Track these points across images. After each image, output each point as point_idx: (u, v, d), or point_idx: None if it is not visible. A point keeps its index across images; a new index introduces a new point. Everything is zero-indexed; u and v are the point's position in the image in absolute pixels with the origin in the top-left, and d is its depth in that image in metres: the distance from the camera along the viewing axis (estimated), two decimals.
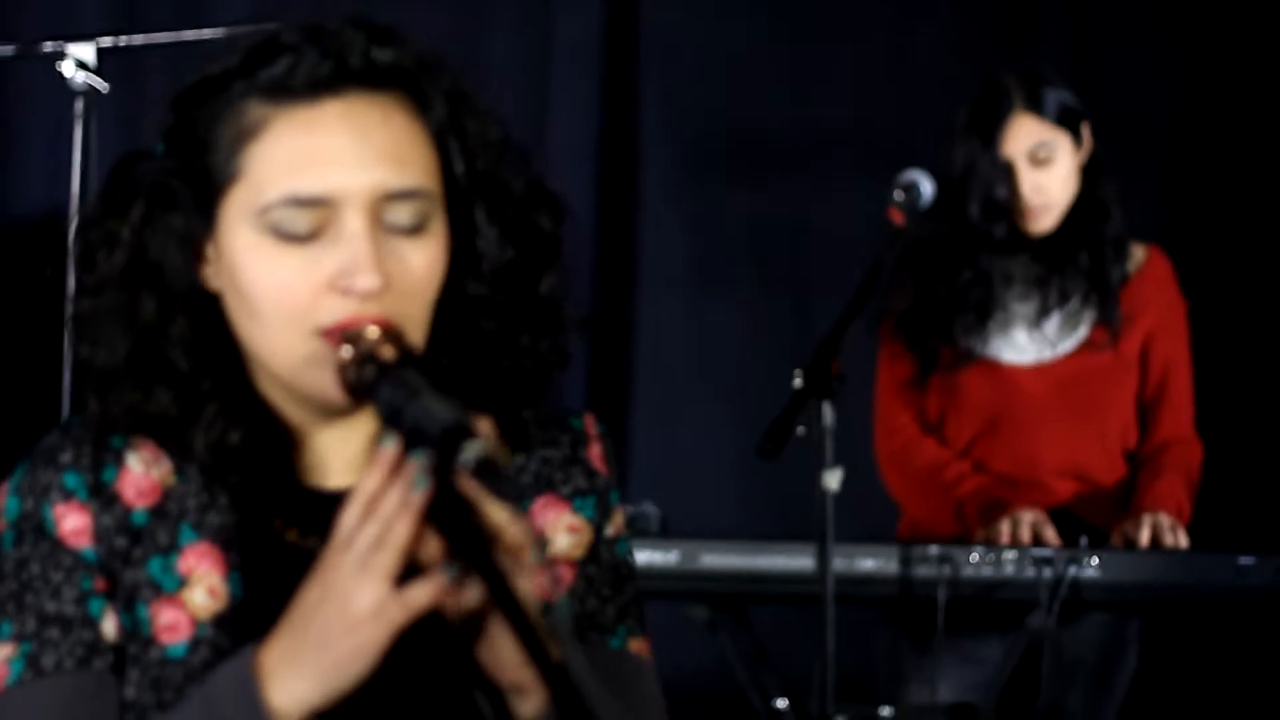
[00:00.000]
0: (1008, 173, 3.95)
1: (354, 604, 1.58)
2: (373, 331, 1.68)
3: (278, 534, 1.76)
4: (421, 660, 1.71)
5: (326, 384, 1.70)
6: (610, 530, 1.87)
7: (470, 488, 1.59)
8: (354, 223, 1.69)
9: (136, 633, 1.73)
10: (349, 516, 1.60)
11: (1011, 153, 3.96)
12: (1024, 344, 4.04)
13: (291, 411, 1.78)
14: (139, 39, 3.30)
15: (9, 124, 4.92)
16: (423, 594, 1.58)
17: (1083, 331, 4.04)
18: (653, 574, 3.76)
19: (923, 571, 3.77)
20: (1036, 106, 3.97)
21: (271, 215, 1.70)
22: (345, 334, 1.68)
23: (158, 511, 1.75)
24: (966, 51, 5.27)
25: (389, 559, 1.58)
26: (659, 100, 5.42)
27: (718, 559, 3.80)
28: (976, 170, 3.95)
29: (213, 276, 1.76)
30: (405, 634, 1.60)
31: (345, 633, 1.58)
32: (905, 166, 3.91)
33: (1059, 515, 3.90)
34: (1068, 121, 3.99)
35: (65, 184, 3.27)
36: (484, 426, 1.57)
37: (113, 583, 1.74)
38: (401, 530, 1.58)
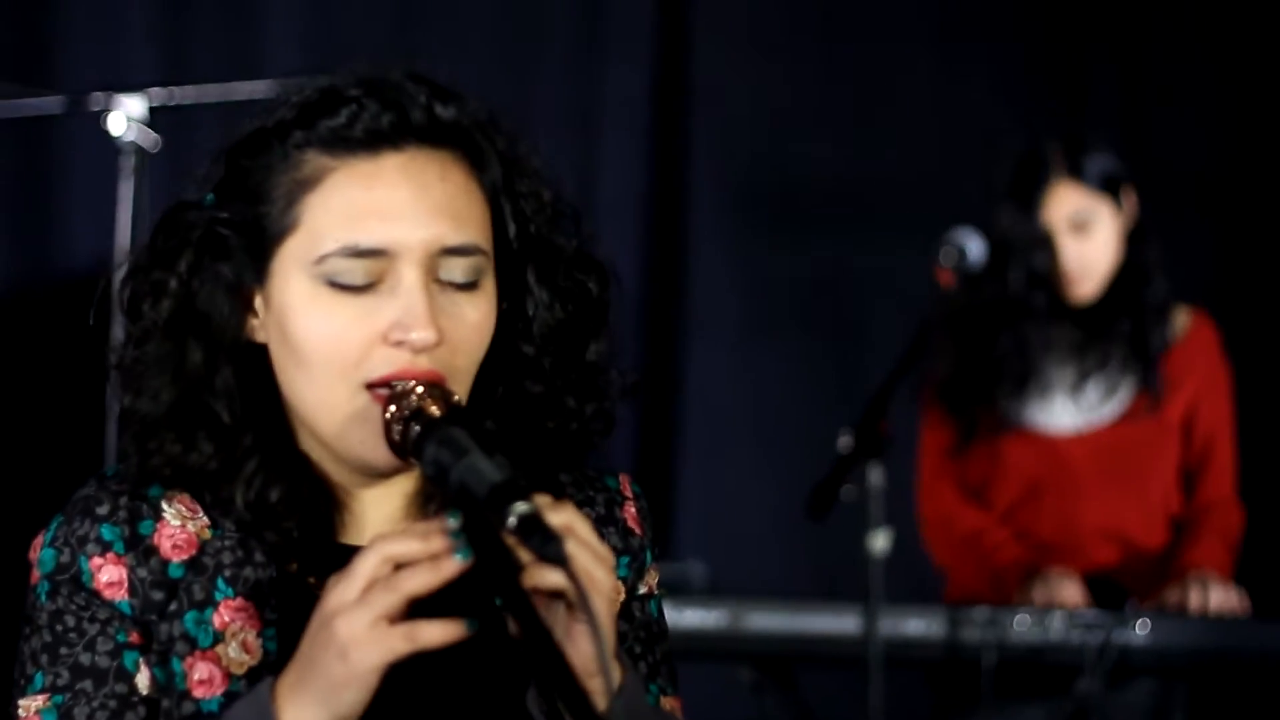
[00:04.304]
0: (1048, 241, 3.94)
1: (339, 631, 1.58)
2: (417, 388, 1.67)
3: (312, 590, 1.73)
4: (473, 665, 1.72)
5: (370, 443, 1.69)
6: (644, 588, 1.86)
7: (517, 547, 1.58)
8: (410, 276, 1.69)
9: (170, 686, 1.72)
10: (365, 553, 1.60)
11: (1052, 220, 3.95)
12: (1064, 411, 4.01)
13: (332, 469, 1.76)
14: (189, 93, 3.31)
15: (56, 178, 4.93)
16: (431, 634, 1.58)
17: (1123, 397, 4.02)
18: (699, 635, 3.75)
19: (970, 635, 3.74)
20: (1077, 173, 3.96)
21: (328, 265, 1.70)
22: (390, 394, 1.67)
23: (193, 565, 1.74)
24: (1014, 103, 5.26)
25: (389, 599, 1.57)
26: (707, 152, 5.42)
27: (764, 620, 3.78)
28: (1016, 238, 3.94)
29: (260, 328, 1.75)
30: (455, 645, 1.60)
31: (335, 658, 1.59)
32: (953, 217, 3.90)
33: (1098, 582, 3.87)
34: (1109, 188, 3.97)
35: (112, 239, 3.27)
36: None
37: (147, 636, 1.73)
38: (417, 580, 1.58)
